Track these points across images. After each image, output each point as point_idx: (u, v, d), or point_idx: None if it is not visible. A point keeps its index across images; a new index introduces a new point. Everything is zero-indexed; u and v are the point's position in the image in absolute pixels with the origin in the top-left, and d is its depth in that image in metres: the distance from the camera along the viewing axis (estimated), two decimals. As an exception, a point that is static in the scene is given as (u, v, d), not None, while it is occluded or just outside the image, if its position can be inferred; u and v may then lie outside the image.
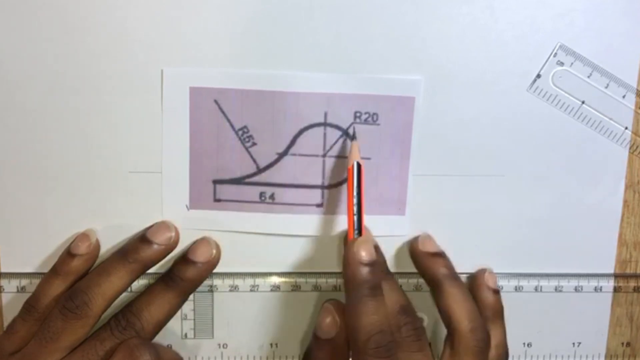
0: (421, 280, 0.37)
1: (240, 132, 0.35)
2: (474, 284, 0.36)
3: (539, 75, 0.35)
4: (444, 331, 0.34)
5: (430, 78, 0.34)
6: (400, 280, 0.37)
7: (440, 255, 0.35)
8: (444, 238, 0.37)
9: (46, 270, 0.34)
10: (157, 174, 0.35)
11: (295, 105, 0.34)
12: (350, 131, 0.35)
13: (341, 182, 0.36)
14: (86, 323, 0.32)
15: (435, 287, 0.34)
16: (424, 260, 0.35)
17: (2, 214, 0.35)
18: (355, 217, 0.33)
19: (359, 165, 0.33)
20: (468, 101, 0.35)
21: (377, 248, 0.34)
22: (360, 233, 0.33)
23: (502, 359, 0.34)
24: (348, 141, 0.35)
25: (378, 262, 0.32)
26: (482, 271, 0.36)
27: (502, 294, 0.37)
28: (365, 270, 0.31)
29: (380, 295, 0.31)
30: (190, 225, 0.36)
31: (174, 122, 0.34)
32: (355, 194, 0.33)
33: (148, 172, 0.35)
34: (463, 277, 0.37)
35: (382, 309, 0.31)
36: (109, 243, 0.36)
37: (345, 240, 0.35)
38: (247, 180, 0.35)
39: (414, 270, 0.37)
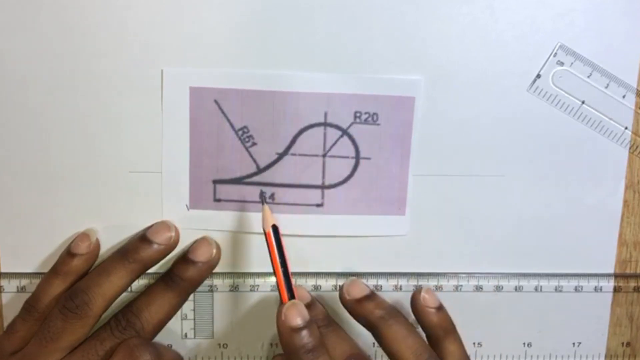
0: (422, 281, 0.37)
1: (240, 132, 0.35)
2: (414, 308, 0.35)
3: (539, 75, 0.35)
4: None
5: (430, 78, 0.34)
6: (400, 281, 0.37)
7: (369, 297, 0.34)
8: (444, 238, 0.37)
9: (46, 270, 0.34)
10: (157, 174, 0.35)
11: (295, 105, 0.34)
12: (351, 131, 0.35)
13: (341, 182, 0.36)
14: (86, 323, 0.32)
15: (373, 331, 0.33)
16: (355, 308, 0.34)
17: (2, 214, 0.35)
18: (284, 281, 0.32)
19: (275, 228, 0.32)
20: (468, 101, 0.35)
21: (312, 303, 0.33)
22: (292, 296, 0.32)
23: None
24: (348, 140, 0.35)
25: (312, 321, 0.31)
26: (417, 293, 0.35)
27: (502, 294, 0.38)
28: (299, 335, 0.30)
29: (322, 355, 0.30)
30: (190, 225, 0.36)
31: (174, 122, 0.34)
32: (278, 257, 0.32)
33: (148, 172, 0.35)
34: (459, 279, 0.37)
35: None
36: (109, 243, 0.36)
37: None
38: (247, 180, 0.35)
39: (414, 270, 0.37)
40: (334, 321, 0.35)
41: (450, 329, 0.34)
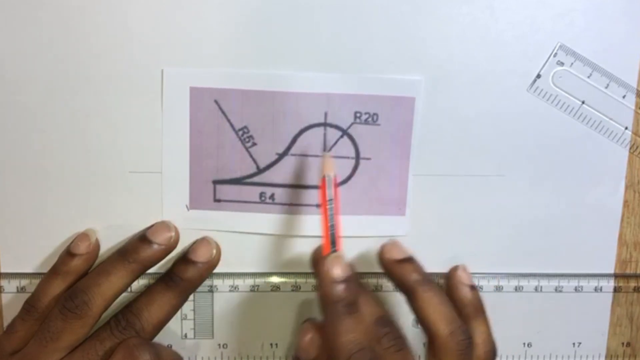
0: (421, 280, 0.37)
1: (240, 132, 0.35)
2: (449, 283, 0.35)
3: (539, 75, 0.35)
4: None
5: (430, 78, 0.34)
6: (400, 280, 0.37)
7: (409, 260, 0.34)
8: (444, 238, 0.37)
9: (46, 270, 0.34)
10: (157, 174, 0.35)
11: (295, 105, 0.34)
12: (351, 131, 0.35)
13: (341, 182, 0.36)
14: (86, 323, 0.32)
15: (408, 294, 0.33)
16: (393, 269, 0.34)
17: (2, 214, 0.35)
18: (331, 232, 0.32)
19: (330, 179, 0.32)
20: (468, 101, 0.35)
21: (350, 263, 0.33)
22: (335, 249, 0.32)
23: (490, 355, 0.34)
24: (348, 141, 0.35)
25: (352, 278, 0.31)
26: (455, 269, 0.36)
27: (502, 294, 0.38)
28: (340, 288, 0.30)
29: (357, 312, 0.30)
30: (190, 225, 0.36)
31: (174, 122, 0.34)
32: (329, 207, 0.32)
33: (148, 172, 0.35)
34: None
35: (360, 325, 0.30)
36: (109, 243, 0.36)
37: (314, 259, 0.35)
38: (247, 180, 0.35)
39: (414, 270, 0.37)
40: (364, 285, 0.35)
41: (481, 309, 0.35)
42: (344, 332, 0.30)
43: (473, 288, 0.35)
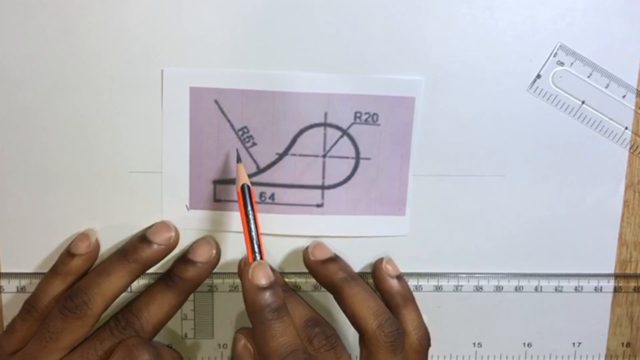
0: (422, 281, 0.37)
1: (240, 132, 0.35)
2: (375, 275, 0.36)
3: (539, 75, 0.35)
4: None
5: (430, 78, 0.34)
6: (400, 280, 0.37)
7: (333, 259, 0.35)
8: (444, 238, 0.37)
9: (46, 270, 0.34)
10: (157, 174, 0.35)
11: (295, 105, 0.34)
12: (351, 131, 0.35)
13: (341, 182, 0.36)
14: (86, 323, 0.32)
15: (335, 293, 0.34)
16: (318, 269, 0.35)
17: (2, 214, 0.35)
18: (254, 240, 0.32)
19: (247, 187, 0.32)
20: (468, 101, 0.35)
21: (272, 269, 0.33)
22: (261, 256, 0.32)
23: (423, 340, 0.34)
24: (348, 141, 0.35)
25: (277, 283, 0.31)
26: (379, 261, 0.36)
27: (502, 294, 0.38)
28: (265, 294, 0.30)
29: (285, 316, 0.31)
30: (190, 225, 0.36)
31: (174, 122, 0.34)
32: (249, 216, 0.32)
33: (148, 172, 0.35)
34: (459, 279, 0.37)
35: (289, 328, 0.31)
36: (109, 243, 0.36)
37: (239, 267, 0.35)
38: (247, 180, 0.35)
39: (414, 270, 0.37)
40: (291, 288, 0.36)
41: (410, 297, 0.35)
42: (273, 336, 0.30)
43: (399, 278, 0.35)
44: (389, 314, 0.33)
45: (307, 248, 0.36)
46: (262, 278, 0.31)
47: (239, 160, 0.34)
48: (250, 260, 0.32)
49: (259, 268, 0.31)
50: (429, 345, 0.34)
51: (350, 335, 0.36)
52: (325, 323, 0.33)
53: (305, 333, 0.32)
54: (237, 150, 0.34)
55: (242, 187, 0.32)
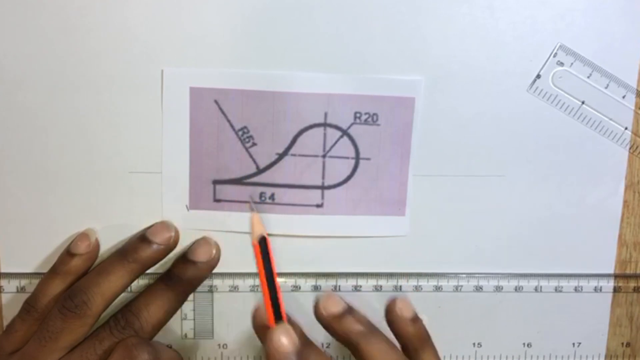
0: (422, 281, 0.37)
1: (240, 132, 0.35)
2: (389, 318, 0.34)
3: (539, 76, 0.35)
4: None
5: (430, 78, 0.34)
6: (400, 281, 0.37)
7: (348, 312, 0.32)
8: (444, 238, 0.37)
9: (46, 270, 0.34)
10: (157, 174, 0.35)
11: (295, 106, 0.34)
12: (351, 131, 0.35)
13: (341, 182, 0.36)
14: (85, 322, 0.32)
15: (353, 348, 0.32)
16: (332, 325, 0.32)
17: (2, 214, 0.35)
18: (272, 298, 0.30)
19: (264, 240, 0.30)
20: (468, 101, 0.35)
21: (291, 321, 0.31)
22: (280, 315, 0.30)
23: None
24: (348, 141, 0.35)
25: (302, 346, 0.29)
26: (393, 303, 0.34)
27: (502, 294, 0.37)
28: None
29: None
30: (190, 225, 0.36)
31: (174, 122, 0.34)
32: (268, 272, 0.30)
33: (148, 172, 0.35)
34: (459, 279, 0.37)
35: None
36: (109, 243, 0.36)
37: (255, 322, 0.32)
38: (247, 180, 0.35)
39: (414, 270, 0.37)
40: (310, 340, 0.33)
41: (426, 339, 0.33)
42: None
43: (415, 320, 0.33)
44: None
45: (317, 302, 0.33)
46: (287, 344, 0.29)
47: (252, 209, 0.33)
48: (271, 322, 0.30)
49: (284, 333, 0.29)
50: None
51: None
52: None
53: None
54: (250, 198, 0.33)
55: (259, 240, 0.30)
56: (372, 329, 0.32)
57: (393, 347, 0.32)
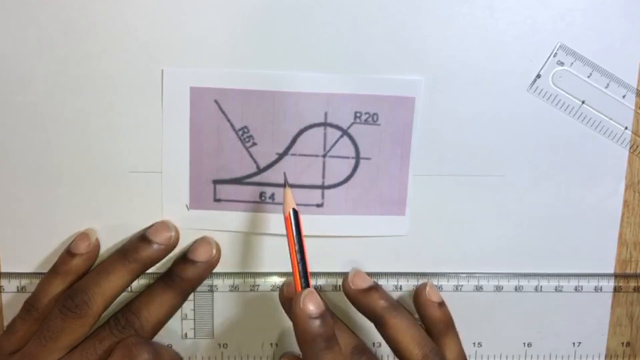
0: (422, 281, 0.37)
1: (240, 132, 0.35)
2: (417, 301, 0.36)
3: (539, 75, 0.35)
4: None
5: (430, 78, 0.34)
6: (400, 281, 0.37)
7: (374, 288, 0.35)
8: (444, 238, 0.37)
9: (46, 270, 0.34)
10: (157, 174, 0.35)
11: (295, 105, 0.34)
12: (351, 131, 0.35)
13: (341, 182, 0.36)
14: (85, 322, 0.32)
15: (377, 322, 0.34)
16: (359, 298, 0.34)
17: (3, 213, 0.35)
18: (300, 267, 0.31)
19: (295, 212, 0.32)
20: (468, 101, 0.35)
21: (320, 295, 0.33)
22: (307, 283, 0.31)
23: None
24: (348, 141, 0.35)
25: (327, 312, 0.31)
26: (423, 287, 0.36)
27: (502, 294, 0.38)
28: (317, 324, 0.30)
29: (336, 346, 0.30)
30: (190, 225, 0.36)
31: (174, 122, 0.34)
32: (296, 242, 0.32)
33: (148, 172, 0.35)
34: (459, 279, 0.37)
35: (339, 357, 0.30)
36: (109, 243, 0.36)
37: (283, 296, 0.34)
38: (247, 180, 0.35)
39: (414, 270, 0.37)
40: (334, 315, 0.36)
41: (451, 324, 0.35)
42: None
43: (442, 305, 0.35)
44: (432, 344, 0.33)
45: (346, 276, 0.35)
46: (313, 307, 0.30)
47: (286, 184, 0.34)
48: (298, 288, 0.31)
49: (310, 297, 0.30)
50: None
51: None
52: (370, 350, 0.33)
53: None
54: (284, 174, 0.34)
55: (290, 212, 0.32)
56: (397, 305, 0.34)
57: (416, 324, 0.33)
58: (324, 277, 0.37)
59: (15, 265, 0.36)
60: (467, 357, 0.35)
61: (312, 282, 0.37)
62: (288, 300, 0.34)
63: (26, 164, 0.35)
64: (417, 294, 0.36)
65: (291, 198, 0.33)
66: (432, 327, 0.35)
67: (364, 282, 0.35)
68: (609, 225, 0.37)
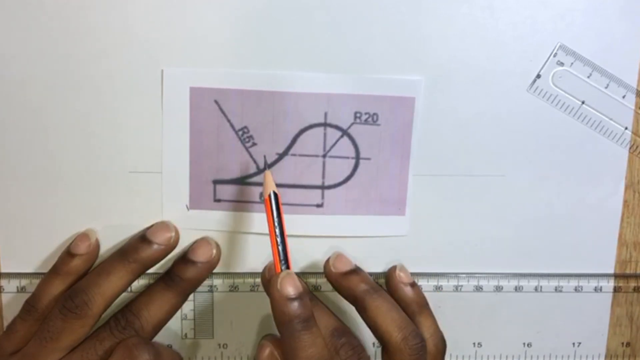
0: (422, 281, 0.37)
1: (240, 132, 0.35)
2: (389, 284, 0.36)
3: (539, 75, 0.35)
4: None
5: (430, 78, 0.34)
6: (400, 280, 0.37)
7: (355, 271, 0.35)
8: (444, 238, 0.37)
9: (46, 270, 0.34)
10: (157, 174, 0.35)
11: (295, 106, 0.34)
12: (351, 131, 0.35)
13: (341, 182, 0.36)
14: (86, 323, 0.32)
15: (357, 305, 0.34)
16: (340, 281, 0.35)
17: (2, 214, 0.35)
18: (280, 249, 0.32)
19: (275, 195, 0.32)
20: (468, 101, 0.35)
21: (299, 277, 0.33)
22: (287, 265, 0.32)
23: (439, 345, 0.34)
24: (348, 141, 0.35)
25: (305, 293, 0.31)
26: (393, 269, 0.36)
27: (502, 294, 0.38)
28: (294, 305, 0.30)
29: (314, 327, 0.30)
30: (190, 225, 0.36)
31: (174, 122, 0.34)
32: (276, 224, 0.32)
33: (148, 172, 0.35)
34: (459, 279, 0.37)
35: (318, 339, 0.30)
36: (109, 243, 0.36)
37: (263, 277, 0.34)
38: (247, 180, 0.35)
39: (414, 270, 0.37)
40: (316, 297, 0.36)
41: (424, 304, 0.35)
42: (303, 347, 0.30)
43: (413, 285, 0.36)
44: (412, 326, 0.33)
45: (327, 260, 0.36)
46: (290, 289, 0.30)
47: (266, 167, 0.34)
48: (278, 270, 0.31)
49: (287, 278, 0.31)
50: (445, 349, 0.34)
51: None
52: (351, 333, 0.33)
53: (332, 343, 0.32)
54: (264, 157, 0.34)
55: (270, 195, 0.32)
56: (377, 288, 0.34)
57: (396, 307, 0.33)
58: (323, 277, 0.37)
59: (15, 265, 0.36)
60: (467, 358, 0.35)
61: (312, 281, 0.37)
62: (269, 281, 0.33)
63: (26, 164, 0.35)
64: (389, 277, 0.36)
65: (271, 181, 0.33)
66: (406, 308, 0.35)
67: (345, 266, 0.35)
68: (609, 225, 0.37)
